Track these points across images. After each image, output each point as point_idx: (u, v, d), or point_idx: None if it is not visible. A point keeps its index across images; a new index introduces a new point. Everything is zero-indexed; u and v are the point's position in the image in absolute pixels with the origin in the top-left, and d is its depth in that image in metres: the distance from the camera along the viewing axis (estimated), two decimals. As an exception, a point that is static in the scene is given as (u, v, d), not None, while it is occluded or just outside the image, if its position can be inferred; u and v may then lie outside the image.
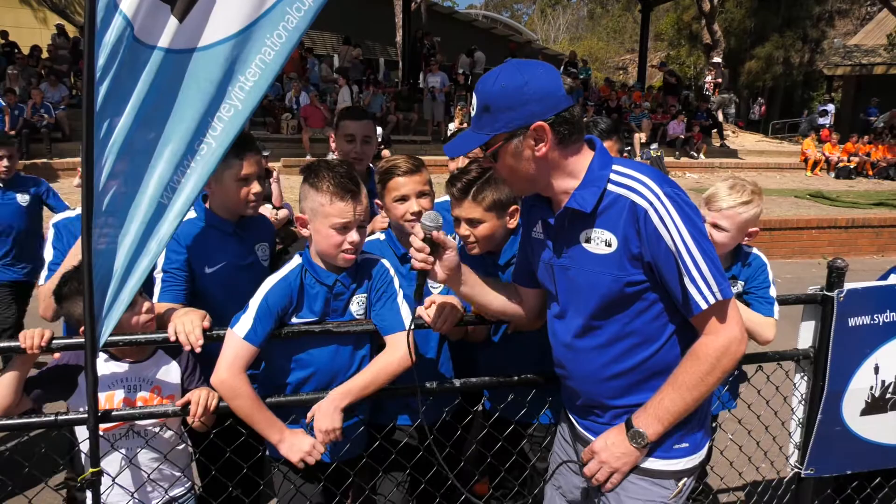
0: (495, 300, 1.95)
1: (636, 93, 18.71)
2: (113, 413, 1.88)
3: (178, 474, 2.12)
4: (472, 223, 2.12)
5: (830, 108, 21.23)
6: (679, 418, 1.66)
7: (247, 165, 2.29)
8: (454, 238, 1.99)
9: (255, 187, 2.33)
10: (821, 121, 20.50)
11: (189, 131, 1.69)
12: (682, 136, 16.47)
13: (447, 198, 2.27)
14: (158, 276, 2.20)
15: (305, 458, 1.91)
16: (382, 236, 2.30)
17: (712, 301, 1.58)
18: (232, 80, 1.71)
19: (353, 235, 1.96)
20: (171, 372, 2.11)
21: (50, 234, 2.53)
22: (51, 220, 2.61)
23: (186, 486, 2.18)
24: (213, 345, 1.93)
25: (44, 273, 2.48)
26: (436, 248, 1.77)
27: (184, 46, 1.66)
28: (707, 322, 1.62)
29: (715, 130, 18.06)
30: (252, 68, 1.72)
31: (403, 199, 2.21)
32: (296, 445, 1.91)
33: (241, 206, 2.34)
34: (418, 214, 2.18)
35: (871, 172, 16.55)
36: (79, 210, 2.41)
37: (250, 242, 2.43)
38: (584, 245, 1.67)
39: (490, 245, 2.17)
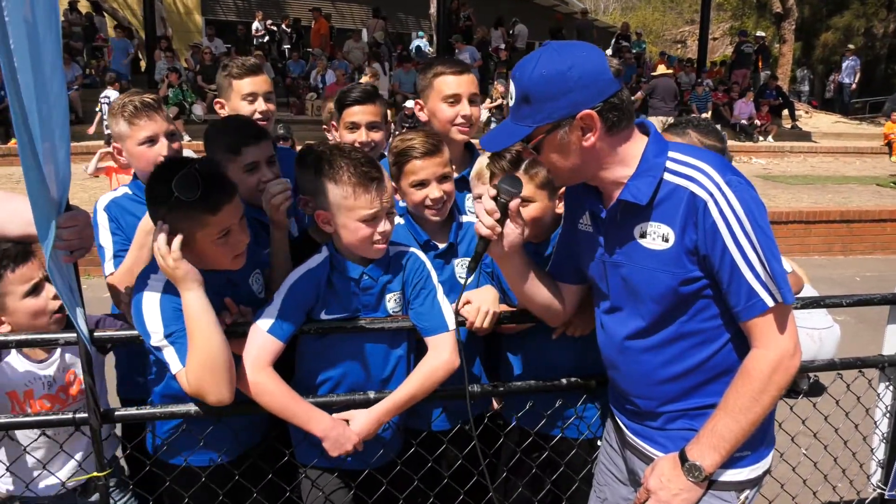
0: (541, 293, 1.92)
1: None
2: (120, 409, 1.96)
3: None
4: (521, 202, 2.07)
5: (855, 60, 20.13)
6: (737, 445, 1.64)
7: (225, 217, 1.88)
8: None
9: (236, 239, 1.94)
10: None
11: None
12: (752, 120, 16.06)
13: None
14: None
15: (343, 453, 1.94)
16: (402, 220, 2.27)
17: (771, 304, 1.55)
18: None
19: (384, 225, 1.96)
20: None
21: (102, 219, 2.34)
22: (97, 203, 2.39)
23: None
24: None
25: (108, 264, 2.30)
26: (504, 218, 1.73)
27: None
28: (760, 331, 1.60)
29: (786, 111, 17.62)
30: None
31: (422, 184, 2.16)
32: (340, 440, 1.92)
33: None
34: (438, 200, 2.14)
35: (964, 157, 15.93)
36: (121, 190, 2.43)
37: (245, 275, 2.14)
38: (639, 240, 1.66)
39: (537, 230, 2.11)
